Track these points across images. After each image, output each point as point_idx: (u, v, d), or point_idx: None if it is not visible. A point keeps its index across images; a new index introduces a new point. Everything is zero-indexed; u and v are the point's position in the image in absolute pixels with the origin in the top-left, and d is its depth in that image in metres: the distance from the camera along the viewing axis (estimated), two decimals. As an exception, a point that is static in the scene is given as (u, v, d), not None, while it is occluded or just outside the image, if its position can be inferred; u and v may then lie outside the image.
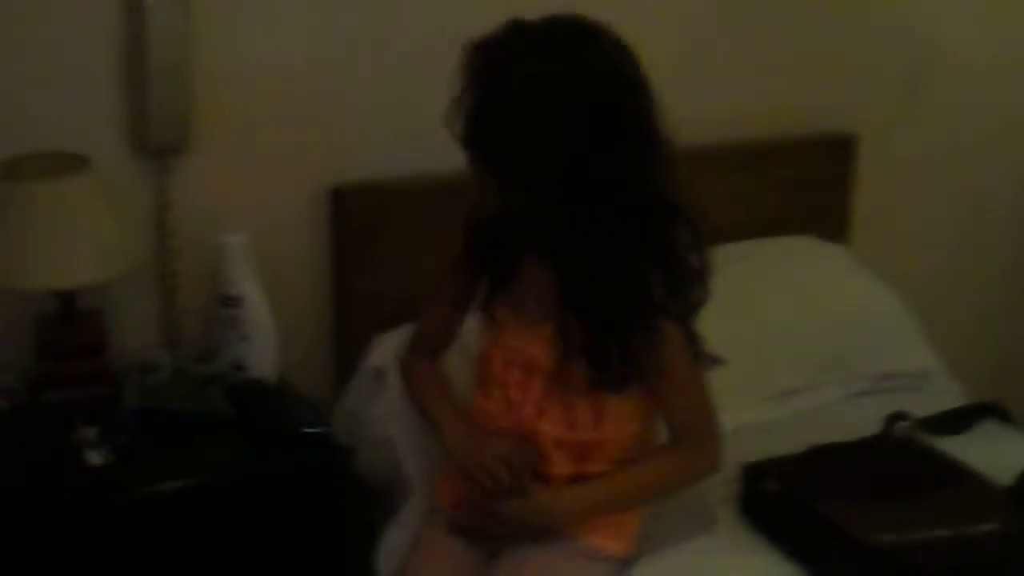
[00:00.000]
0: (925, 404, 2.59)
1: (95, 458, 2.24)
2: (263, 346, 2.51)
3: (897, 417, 2.51)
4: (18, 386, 2.47)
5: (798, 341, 2.70)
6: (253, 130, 2.58)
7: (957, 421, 2.56)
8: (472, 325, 2.25)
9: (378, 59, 2.65)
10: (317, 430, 2.37)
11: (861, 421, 2.51)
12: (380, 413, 2.50)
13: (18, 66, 2.40)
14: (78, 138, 2.40)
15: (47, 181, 2.27)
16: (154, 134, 2.48)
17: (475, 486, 2.08)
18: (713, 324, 2.29)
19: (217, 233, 2.50)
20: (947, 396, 2.70)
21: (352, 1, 2.62)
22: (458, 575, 2.17)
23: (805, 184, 3.07)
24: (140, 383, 2.43)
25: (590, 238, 1.92)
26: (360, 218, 2.65)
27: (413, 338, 2.32)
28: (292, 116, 2.62)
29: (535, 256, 2.05)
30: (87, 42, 2.44)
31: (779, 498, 2.19)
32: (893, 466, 2.32)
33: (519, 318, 2.09)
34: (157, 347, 2.62)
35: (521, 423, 2.10)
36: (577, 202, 1.88)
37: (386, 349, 2.57)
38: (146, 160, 2.54)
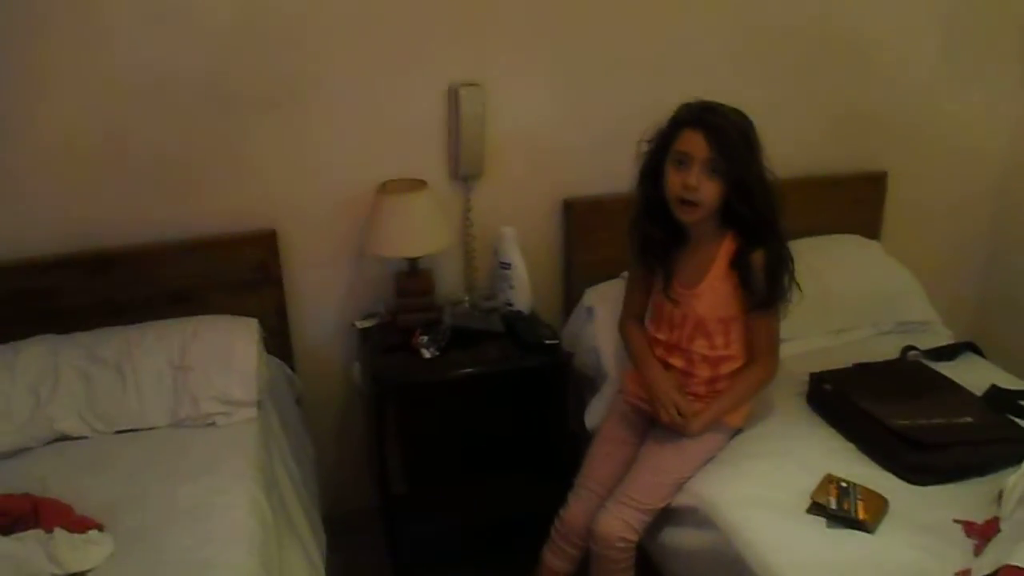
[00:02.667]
0: (928, 341, 2.51)
1: (426, 354, 2.36)
2: (522, 292, 2.52)
3: (909, 348, 2.45)
4: (384, 312, 2.59)
5: (848, 297, 2.60)
6: (519, 165, 2.62)
7: (948, 353, 2.45)
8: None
9: (594, 122, 2.61)
10: (554, 342, 2.40)
11: (887, 350, 2.44)
12: (590, 333, 2.51)
13: (388, 130, 2.48)
14: (422, 170, 2.50)
15: (403, 195, 2.37)
16: (463, 168, 2.55)
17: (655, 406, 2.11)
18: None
19: (498, 225, 2.54)
20: (942, 337, 2.60)
21: (566, 93, 2.58)
22: (628, 435, 2.18)
23: (853, 202, 2.94)
24: (452, 311, 2.49)
25: (764, 227, 1.98)
26: (580, 218, 2.65)
27: (624, 308, 2.29)
28: (541, 157, 2.62)
29: (702, 240, 2.05)
30: (430, 118, 2.50)
31: (833, 395, 2.16)
32: (907, 378, 2.24)
33: (682, 285, 2.10)
34: (461, 291, 2.67)
35: (679, 344, 2.12)
36: (753, 205, 1.95)
37: (594, 295, 2.58)
38: (458, 183, 2.59)
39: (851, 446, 2.05)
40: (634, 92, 2.58)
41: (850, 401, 2.09)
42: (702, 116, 1.92)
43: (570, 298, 2.74)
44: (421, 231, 2.39)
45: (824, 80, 2.84)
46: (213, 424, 2.15)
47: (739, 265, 2.02)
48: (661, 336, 2.17)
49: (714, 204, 1.97)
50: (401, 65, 2.45)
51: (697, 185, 1.92)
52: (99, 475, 1.96)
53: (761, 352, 2.10)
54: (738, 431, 2.14)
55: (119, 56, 2.25)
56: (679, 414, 2.06)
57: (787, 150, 2.58)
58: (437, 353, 2.36)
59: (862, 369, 2.28)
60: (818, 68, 2.82)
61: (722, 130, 1.90)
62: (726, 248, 2.06)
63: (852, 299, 2.62)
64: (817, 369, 2.26)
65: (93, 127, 2.29)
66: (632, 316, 2.28)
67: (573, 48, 2.57)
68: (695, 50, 2.64)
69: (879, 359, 2.36)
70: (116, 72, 2.26)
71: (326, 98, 2.42)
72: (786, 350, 2.39)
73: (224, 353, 2.23)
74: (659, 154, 2.02)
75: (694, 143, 1.92)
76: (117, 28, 2.23)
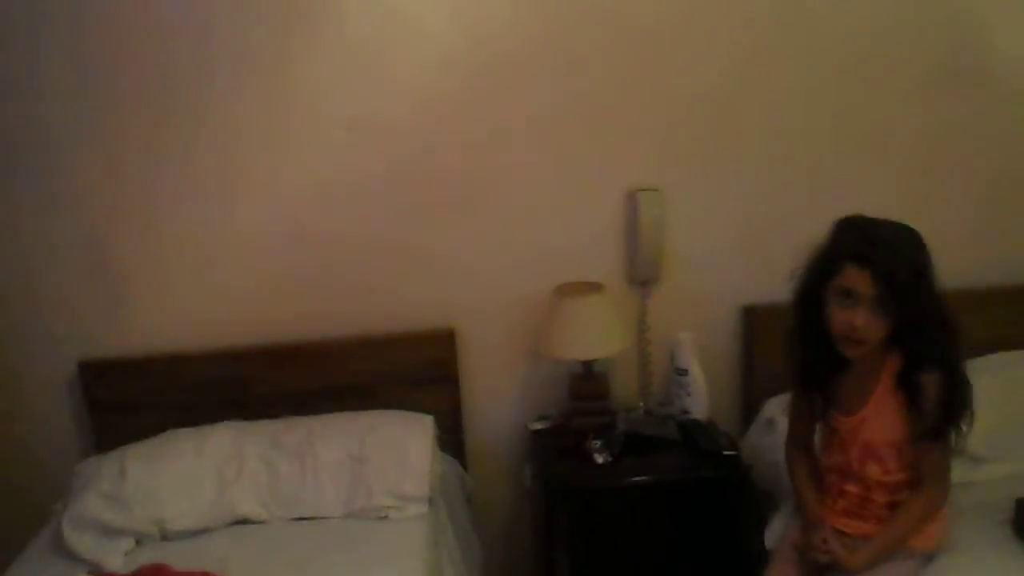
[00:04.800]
0: None
1: (599, 459, 2.32)
2: (699, 399, 2.47)
3: None
4: (557, 415, 2.57)
5: None
6: (697, 270, 2.58)
7: None
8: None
9: (774, 226, 2.53)
10: (732, 453, 2.34)
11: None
12: (770, 445, 2.38)
13: (566, 233, 2.50)
14: (598, 273, 2.50)
15: (579, 298, 2.37)
16: (640, 272, 2.55)
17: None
18: (1001, 403, 2.23)
19: (675, 330, 2.51)
20: None
21: (742, 198, 2.54)
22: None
23: None
24: (626, 417, 2.46)
25: (937, 352, 1.84)
26: (761, 324, 2.55)
27: (789, 434, 2.13)
28: (719, 262, 2.58)
29: (864, 363, 1.90)
30: (608, 222, 2.52)
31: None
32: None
33: (844, 412, 1.97)
34: (636, 396, 2.64)
35: (851, 469, 1.98)
36: (925, 335, 1.82)
37: (774, 406, 2.47)
38: (635, 287, 2.58)
39: (1062, 579, 1.83)
40: (815, 198, 2.51)
41: (1063, 530, 1.90)
42: (868, 253, 1.77)
43: (750, 408, 2.64)
44: (596, 334, 2.37)
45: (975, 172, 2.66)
46: (385, 517, 2.17)
47: (906, 385, 1.88)
48: (832, 461, 2.03)
49: (879, 340, 1.84)
50: (580, 169, 2.49)
51: (865, 326, 1.80)
52: (275, 561, 2.01)
53: (927, 481, 1.93)
54: (931, 556, 1.95)
55: (309, 160, 2.41)
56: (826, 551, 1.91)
57: (983, 256, 2.58)
58: (610, 459, 2.32)
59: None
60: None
61: (891, 269, 1.76)
62: (890, 367, 1.91)
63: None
64: (1024, 495, 2.03)
65: (283, 227, 2.45)
66: (797, 443, 2.13)
67: (752, 153, 2.55)
68: (882, 154, 2.57)
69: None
70: (306, 175, 2.42)
71: (505, 200, 2.49)
72: (989, 473, 2.28)
73: (399, 448, 2.26)
74: (819, 281, 1.89)
75: (861, 282, 1.77)
76: (308, 133, 2.39)
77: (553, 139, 2.46)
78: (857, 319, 1.79)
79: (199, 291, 2.47)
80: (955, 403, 1.85)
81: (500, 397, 2.62)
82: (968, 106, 2.59)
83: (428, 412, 2.44)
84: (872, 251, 1.76)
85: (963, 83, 2.57)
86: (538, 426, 2.54)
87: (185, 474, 2.19)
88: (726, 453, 2.32)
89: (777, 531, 2.21)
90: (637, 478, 2.28)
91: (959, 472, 2.05)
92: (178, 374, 2.45)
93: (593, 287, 2.42)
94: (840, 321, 1.82)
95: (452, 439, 2.54)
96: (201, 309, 2.48)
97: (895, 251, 1.76)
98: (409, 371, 2.51)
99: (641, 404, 2.58)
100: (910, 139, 2.59)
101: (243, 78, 2.34)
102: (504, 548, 2.73)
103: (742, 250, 2.60)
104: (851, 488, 1.99)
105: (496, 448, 2.65)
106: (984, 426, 1.95)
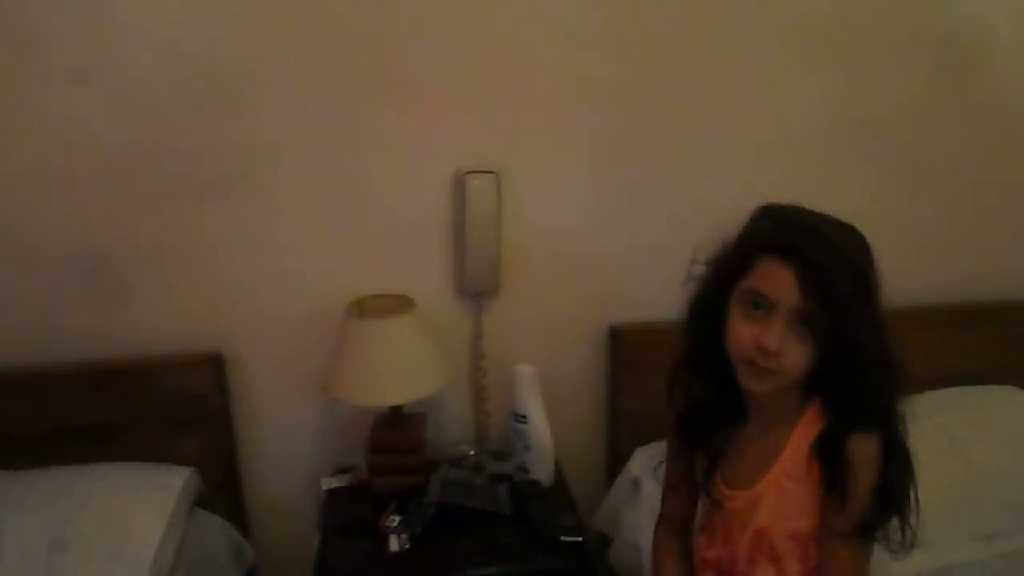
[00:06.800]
0: None
1: (393, 545, 1.76)
2: (542, 455, 1.94)
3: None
4: (362, 466, 2.01)
5: (1005, 484, 1.89)
6: (549, 280, 2.08)
7: None
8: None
9: (650, 224, 2.07)
10: (575, 539, 1.77)
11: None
12: (633, 519, 1.89)
13: (373, 227, 1.98)
14: (417, 282, 1.98)
15: (379, 320, 1.81)
16: (471, 282, 2.02)
17: None
18: (924, 464, 1.67)
19: (516, 360, 1.98)
20: None
21: (612, 187, 2.05)
22: None
23: (1008, 339, 2.27)
24: (444, 477, 1.91)
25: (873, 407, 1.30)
26: (631, 351, 2.07)
27: (661, 515, 1.62)
28: (574, 271, 2.09)
29: (770, 414, 1.40)
30: (430, 214, 1.99)
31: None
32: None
33: (731, 482, 1.44)
34: (470, 442, 2.12)
35: (735, 568, 1.44)
36: (861, 376, 1.28)
37: (643, 460, 1.99)
38: (467, 301, 2.07)
39: None
40: (706, 186, 2.06)
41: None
42: (795, 242, 1.25)
43: (617, 457, 2.12)
44: (401, 370, 1.81)
45: (956, 172, 2.23)
46: (87, 630, 1.60)
47: (827, 455, 1.33)
48: (710, 555, 1.50)
49: (798, 373, 1.29)
50: (393, 141, 1.94)
51: (778, 348, 1.25)
52: None
53: None
54: None
55: (35, 117, 1.79)
56: None
57: (903, 266, 2.01)
58: (407, 546, 1.75)
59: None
60: (945, 156, 2.21)
61: (825, 270, 1.22)
62: (806, 425, 1.37)
63: (1012, 484, 1.90)
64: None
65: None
66: (669, 522, 1.60)
67: (623, 125, 2.02)
68: (791, 128, 2.10)
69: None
70: (26, 137, 1.79)
71: (290, 182, 1.92)
72: (912, 565, 1.66)
73: (119, 526, 1.69)
74: (723, 284, 1.35)
75: (779, 283, 1.25)
76: (30, 89, 1.77)
77: (355, 99, 1.89)
78: (769, 336, 1.26)
79: None
80: (895, 484, 1.33)
81: (289, 442, 2.07)
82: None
83: (191, 462, 1.91)
84: (800, 240, 1.26)
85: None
86: (334, 483, 1.99)
87: None
88: (564, 539, 1.75)
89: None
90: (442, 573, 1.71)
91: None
92: None
93: (400, 303, 1.86)
94: (743, 337, 1.30)
95: (225, 497, 2.01)
96: None
97: (832, 246, 1.25)
98: (165, 408, 1.95)
99: (472, 454, 2.04)
100: (829, 101, 2.11)
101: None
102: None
103: (607, 254, 2.10)
104: None
105: (287, 507, 2.11)
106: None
